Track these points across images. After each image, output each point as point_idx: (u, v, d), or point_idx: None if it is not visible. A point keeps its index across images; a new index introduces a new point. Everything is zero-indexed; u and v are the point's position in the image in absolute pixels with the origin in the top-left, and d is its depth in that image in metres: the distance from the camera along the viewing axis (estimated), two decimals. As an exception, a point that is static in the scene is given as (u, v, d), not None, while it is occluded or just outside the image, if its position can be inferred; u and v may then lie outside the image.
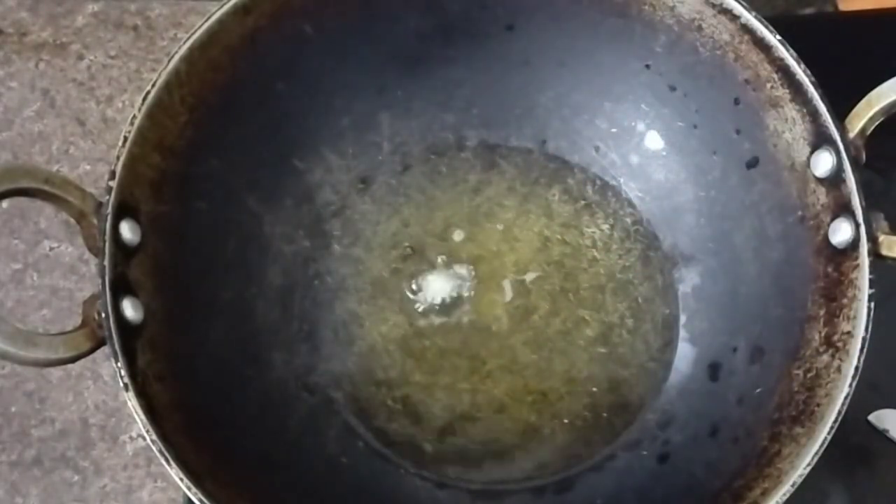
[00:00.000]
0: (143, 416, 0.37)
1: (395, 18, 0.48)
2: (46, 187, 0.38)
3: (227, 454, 0.41)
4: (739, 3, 0.42)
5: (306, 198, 0.50)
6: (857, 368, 0.38)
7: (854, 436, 0.49)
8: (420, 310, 0.50)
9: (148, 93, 0.41)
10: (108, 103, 0.61)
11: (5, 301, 0.57)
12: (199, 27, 0.42)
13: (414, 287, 0.50)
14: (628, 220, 0.51)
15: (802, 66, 0.41)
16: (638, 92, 0.50)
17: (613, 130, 0.52)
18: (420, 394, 0.49)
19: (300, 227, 0.50)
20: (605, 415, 0.48)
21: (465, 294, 0.50)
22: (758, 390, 0.44)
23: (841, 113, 0.41)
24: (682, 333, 0.49)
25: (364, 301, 0.50)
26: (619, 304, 0.50)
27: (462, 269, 0.50)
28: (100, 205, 0.39)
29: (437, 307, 0.49)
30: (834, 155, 0.40)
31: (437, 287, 0.50)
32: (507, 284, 0.50)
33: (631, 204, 0.52)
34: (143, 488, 0.53)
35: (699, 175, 0.49)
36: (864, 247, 0.39)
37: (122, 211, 0.39)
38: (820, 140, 0.41)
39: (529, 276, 0.50)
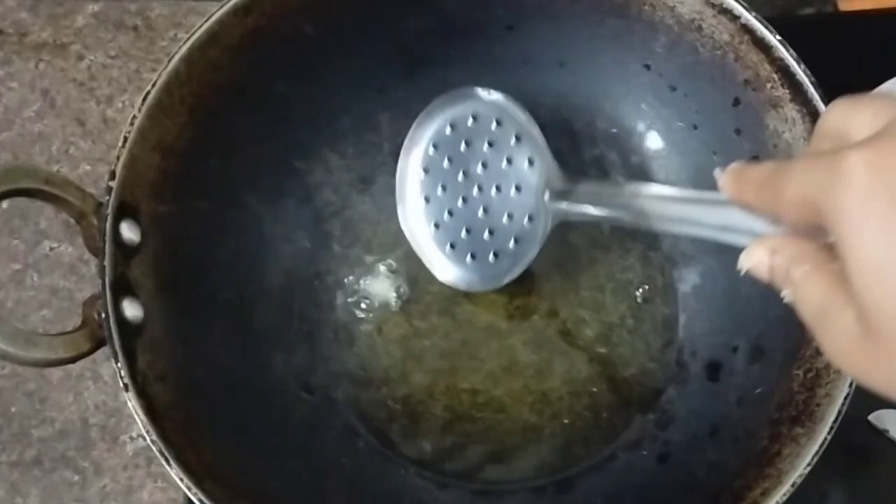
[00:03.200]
0: (143, 416, 0.37)
1: (395, 18, 0.48)
2: (46, 187, 0.38)
3: (227, 454, 0.41)
4: (739, 3, 0.42)
5: (306, 198, 0.50)
6: (857, 368, 0.38)
7: (854, 436, 0.49)
8: (419, 310, 0.50)
9: (148, 93, 0.41)
10: (108, 103, 0.61)
11: (5, 301, 0.57)
12: (199, 27, 0.42)
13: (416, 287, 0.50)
14: (628, 220, 0.51)
15: (802, 66, 0.41)
16: (638, 92, 0.50)
17: (613, 131, 0.52)
18: (420, 394, 0.49)
19: (300, 227, 0.50)
20: (605, 415, 0.49)
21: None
22: (758, 390, 0.44)
23: (841, 113, 0.41)
24: (682, 333, 0.49)
25: (364, 301, 0.50)
26: (619, 304, 0.50)
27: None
28: (100, 205, 0.39)
29: (436, 307, 0.50)
30: (834, 155, 0.40)
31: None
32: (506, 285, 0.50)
33: (631, 204, 0.52)
34: (143, 488, 0.53)
35: (699, 175, 0.49)
36: (864, 247, 0.39)
37: (122, 211, 0.39)
38: (820, 140, 0.41)
39: (529, 277, 0.49)
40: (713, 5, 0.43)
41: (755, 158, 0.45)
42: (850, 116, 0.26)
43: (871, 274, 0.23)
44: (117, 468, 0.54)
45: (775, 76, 0.42)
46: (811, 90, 0.41)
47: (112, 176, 0.39)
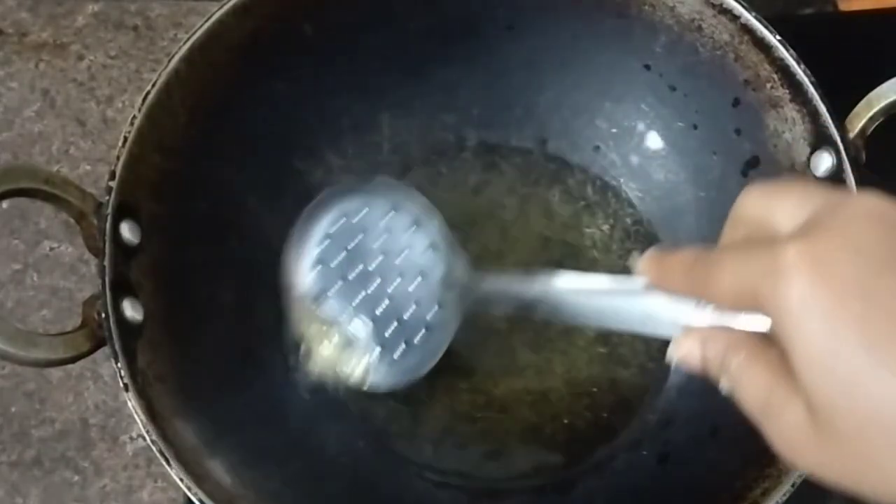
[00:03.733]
0: (143, 416, 0.37)
1: (395, 19, 0.48)
2: (46, 187, 0.38)
3: (228, 455, 0.41)
4: (739, 3, 0.42)
5: (306, 198, 0.50)
6: (857, 368, 0.38)
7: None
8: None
9: (148, 93, 0.41)
10: (108, 103, 0.61)
11: (5, 301, 0.57)
12: (199, 27, 0.42)
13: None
14: (628, 220, 0.52)
15: (802, 66, 0.41)
16: (638, 92, 0.50)
17: (613, 130, 0.52)
18: (420, 394, 0.49)
19: (300, 228, 0.50)
20: (605, 415, 0.48)
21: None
22: (758, 390, 0.44)
23: (841, 113, 0.41)
24: (682, 333, 0.49)
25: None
26: (619, 305, 0.50)
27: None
28: (100, 205, 0.39)
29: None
30: (834, 155, 0.40)
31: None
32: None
33: (631, 204, 0.52)
34: (143, 488, 0.53)
35: (699, 175, 0.49)
36: (864, 247, 0.39)
37: (122, 211, 0.39)
38: (820, 140, 0.41)
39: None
40: (713, 5, 0.43)
41: (755, 158, 0.46)
42: (770, 205, 0.25)
43: (820, 370, 0.22)
44: (117, 468, 0.54)
45: (775, 76, 0.42)
46: (811, 90, 0.41)
47: (112, 176, 0.39)
